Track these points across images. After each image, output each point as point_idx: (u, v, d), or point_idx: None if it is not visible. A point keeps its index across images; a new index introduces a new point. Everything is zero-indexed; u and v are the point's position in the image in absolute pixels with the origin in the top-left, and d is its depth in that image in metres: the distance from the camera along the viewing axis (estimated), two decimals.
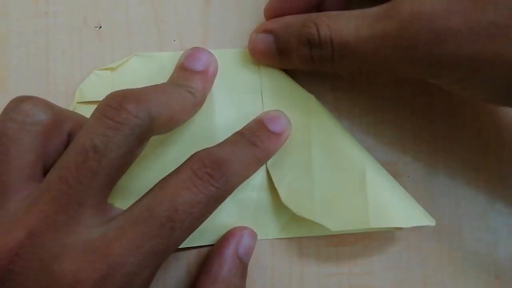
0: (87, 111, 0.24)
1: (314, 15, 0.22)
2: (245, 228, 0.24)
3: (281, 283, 0.25)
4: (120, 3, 0.26)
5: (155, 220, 0.17)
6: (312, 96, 0.25)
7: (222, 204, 0.24)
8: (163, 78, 0.24)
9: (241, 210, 0.24)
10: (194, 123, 0.24)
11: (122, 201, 0.23)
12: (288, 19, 0.23)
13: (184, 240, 0.19)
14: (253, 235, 0.24)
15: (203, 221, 0.19)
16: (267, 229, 0.25)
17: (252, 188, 0.25)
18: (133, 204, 0.19)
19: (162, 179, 0.19)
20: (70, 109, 0.24)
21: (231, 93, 0.25)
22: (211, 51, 0.24)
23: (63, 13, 0.25)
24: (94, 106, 0.23)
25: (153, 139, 0.24)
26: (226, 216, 0.24)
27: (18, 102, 0.19)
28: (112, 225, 0.18)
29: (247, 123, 0.24)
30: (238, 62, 0.25)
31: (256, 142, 0.22)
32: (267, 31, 0.23)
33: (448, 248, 0.25)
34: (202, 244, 0.24)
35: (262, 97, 0.25)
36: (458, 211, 0.26)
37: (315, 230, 0.24)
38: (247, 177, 0.21)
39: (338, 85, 0.26)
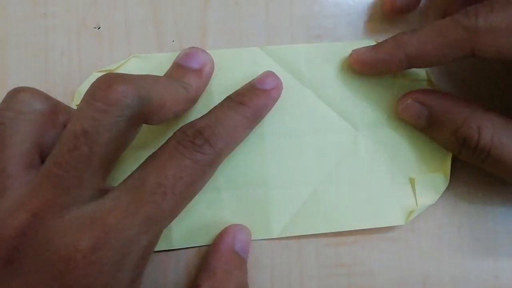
0: None
1: (480, 114, 0.22)
2: (238, 224, 0.24)
3: (281, 283, 0.25)
4: (119, 3, 0.26)
5: (146, 187, 0.18)
6: (310, 92, 0.25)
7: (223, 203, 0.24)
8: None
9: (242, 209, 0.24)
10: None
11: None
12: (451, 103, 0.23)
13: (179, 208, 0.19)
14: (246, 230, 0.24)
15: (197, 189, 0.20)
16: (269, 228, 0.25)
17: (253, 187, 0.25)
18: (126, 178, 0.19)
19: (151, 154, 0.20)
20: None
21: (230, 93, 0.25)
22: (212, 50, 0.24)
23: (62, 14, 0.25)
24: None
25: (153, 141, 0.24)
26: (227, 216, 0.24)
27: (16, 92, 0.20)
28: (107, 197, 0.18)
29: None
30: (237, 62, 0.25)
31: (243, 100, 0.22)
32: (424, 104, 0.23)
33: (448, 248, 0.25)
34: (203, 244, 0.24)
35: None
36: (458, 211, 0.25)
37: (317, 228, 0.25)
38: (237, 138, 0.22)
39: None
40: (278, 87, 0.24)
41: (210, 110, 0.22)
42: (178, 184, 0.18)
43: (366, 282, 0.25)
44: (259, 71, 0.25)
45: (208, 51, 0.24)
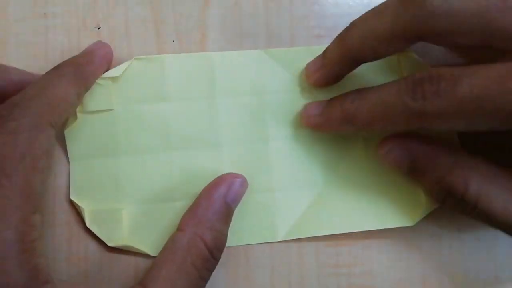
0: (89, 122, 0.24)
1: (466, 163, 0.21)
2: (237, 176, 0.24)
3: (281, 283, 0.25)
4: (119, 3, 0.26)
5: None
6: (313, 95, 0.25)
7: None
8: (164, 82, 0.24)
9: (247, 212, 0.24)
10: (197, 127, 0.24)
11: (129, 207, 0.24)
12: (435, 149, 0.21)
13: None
14: (245, 184, 0.24)
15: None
16: (274, 232, 0.25)
17: (258, 190, 0.24)
18: None
19: None
20: (70, 119, 0.24)
21: (233, 96, 0.25)
22: (214, 52, 0.25)
23: (62, 14, 0.25)
24: (96, 116, 0.24)
25: (156, 145, 0.24)
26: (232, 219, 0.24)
27: None
28: None
29: (251, 124, 0.24)
30: (240, 65, 0.25)
31: (61, 64, 0.23)
32: (406, 150, 0.22)
33: (448, 248, 0.25)
34: None
35: (263, 98, 0.25)
36: None
37: (323, 230, 0.25)
38: (53, 91, 0.21)
39: None
40: (101, 47, 0.24)
41: None
42: (3, 167, 0.18)
43: (366, 282, 0.25)
44: (262, 74, 0.25)
45: (210, 53, 0.24)
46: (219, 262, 0.24)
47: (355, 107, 0.21)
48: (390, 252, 0.25)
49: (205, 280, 0.21)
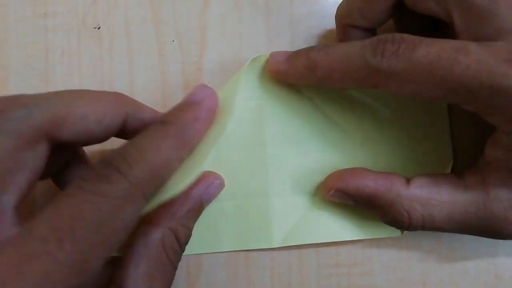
0: None
1: (404, 193, 0.21)
2: (217, 177, 0.24)
3: (281, 283, 0.25)
4: (119, 3, 0.26)
5: (35, 236, 0.16)
6: (309, 101, 0.25)
7: (224, 212, 0.24)
8: None
9: (242, 218, 0.24)
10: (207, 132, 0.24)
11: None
12: (372, 186, 0.22)
13: (91, 257, 0.16)
14: (221, 186, 0.24)
15: (114, 230, 0.17)
16: (270, 238, 0.24)
17: (254, 196, 0.24)
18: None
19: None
20: None
21: (238, 103, 0.24)
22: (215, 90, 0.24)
23: (62, 14, 0.25)
24: None
25: None
26: (227, 224, 0.24)
27: None
28: None
29: (250, 129, 0.24)
30: (243, 71, 0.25)
31: (166, 119, 0.20)
32: (346, 193, 0.23)
33: (448, 248, 0.25)
34: (203, 252, 0.24)
35: (262, 104, 0.24)
36: None
37: (317, 238, 0.25)
38: (164, 161, 0.18)
39: None
40: (209, 97, 0.22)
41: None
42: (78, 226, 0.15)
43: (366, 282, 0.25)
44: (263, 80, 0.24)
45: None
46: (219, 263, 0.25)
47: (320, 56, 0.22)
48: (390, 252, 0.25)
49: (176, 269, 0.22)
